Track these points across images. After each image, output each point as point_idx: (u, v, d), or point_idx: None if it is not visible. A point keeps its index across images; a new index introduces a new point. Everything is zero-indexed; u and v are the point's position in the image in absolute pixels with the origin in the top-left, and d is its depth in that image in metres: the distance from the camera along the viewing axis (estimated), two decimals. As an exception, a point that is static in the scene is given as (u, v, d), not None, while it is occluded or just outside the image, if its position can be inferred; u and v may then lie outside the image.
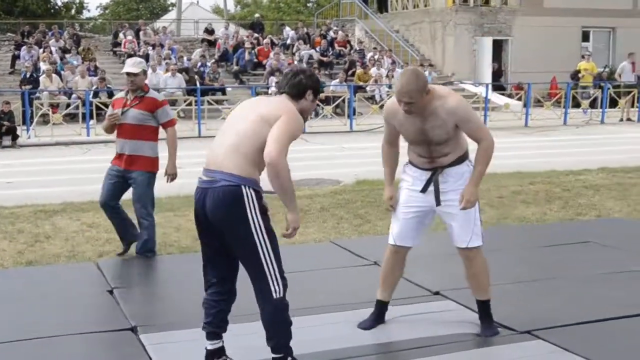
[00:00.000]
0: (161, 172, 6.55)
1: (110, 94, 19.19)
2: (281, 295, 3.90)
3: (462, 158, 4.61)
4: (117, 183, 6.48)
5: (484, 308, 4.78)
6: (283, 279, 3.92)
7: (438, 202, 4.58)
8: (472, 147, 4.60)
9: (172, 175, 6.53)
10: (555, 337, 4.59)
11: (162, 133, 6.46)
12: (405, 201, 4.70)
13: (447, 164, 4.57)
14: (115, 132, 6.48)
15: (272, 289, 3.87)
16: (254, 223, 3.80)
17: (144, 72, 6.48)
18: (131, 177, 6.41)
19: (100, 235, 7.43)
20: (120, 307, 5.24)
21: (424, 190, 4.60)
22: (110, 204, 6.53)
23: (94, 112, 17.42)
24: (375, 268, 6.17)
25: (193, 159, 13.56)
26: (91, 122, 17.01)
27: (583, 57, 23.58)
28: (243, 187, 3.79)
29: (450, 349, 4.49)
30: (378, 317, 4.88)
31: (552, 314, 4.99)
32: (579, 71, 22.48)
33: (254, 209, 3.80)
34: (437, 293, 5.48)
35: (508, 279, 5.81)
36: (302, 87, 4.04)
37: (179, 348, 4.47)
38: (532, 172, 11.39)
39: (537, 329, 4.72)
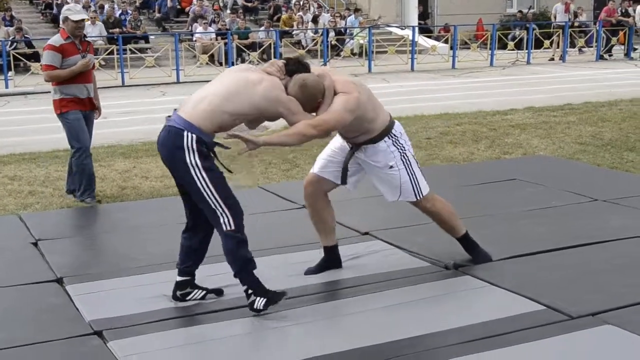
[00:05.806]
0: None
1: (29, 44, 18.54)
2: (232, 228, 4.08)
3: (377, 138, 4.49)
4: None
5: (462, 243, 4.89)
6: (232, 211, 4.09)
7: (344, 181, 4.61)
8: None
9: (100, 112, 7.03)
10: (484, 272, 4.69)
11: None
12: (337, 147, 4.68)
13: (362, 141, 4.51)
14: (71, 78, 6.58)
15: (222, 221, 4.08)
16: (191, 164, 4.03)
17: None
18: (91, 118, 6.84)
19: (22, 188, 7.22)
20: (46, 259, 5.12)
21: (343, 180, 4.62)
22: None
23: (12, 63, 16.89)
24: (304, 211, 6.15)
25: (117, 108, 13.38)
26: (9, 73, 16.41)
27: None
28: (186, 131, 4.00)
29: (379, 288, 4.53)
30: (324, 261, 4.85)
31: (479, 250, 5.08)
32: None
33: (192, 153, 4.02)
34: (366, 233, 5.52)
35: (436, 217, 5.88)
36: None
37: (106, 297, 4.40)
38: (459, 113, 11.50)
39: (465, 265, 4.80)
